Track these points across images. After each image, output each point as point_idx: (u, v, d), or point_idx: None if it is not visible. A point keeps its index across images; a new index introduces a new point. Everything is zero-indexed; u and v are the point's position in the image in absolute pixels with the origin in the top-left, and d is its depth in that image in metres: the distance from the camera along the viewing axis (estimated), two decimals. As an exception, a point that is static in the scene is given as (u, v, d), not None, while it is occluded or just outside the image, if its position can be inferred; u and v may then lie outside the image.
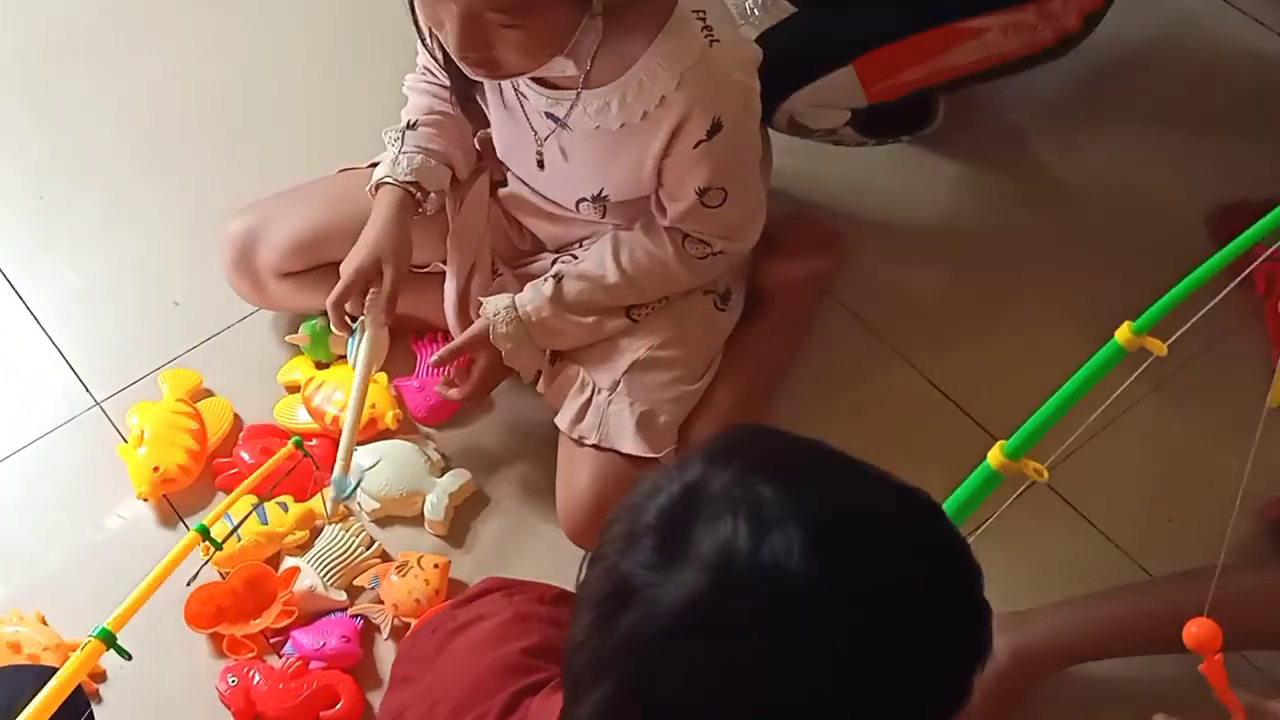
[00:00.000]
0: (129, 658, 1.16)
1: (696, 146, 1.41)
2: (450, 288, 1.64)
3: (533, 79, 1.45)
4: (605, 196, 1.54)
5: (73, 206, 1.95)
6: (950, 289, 1.88)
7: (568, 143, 1.50)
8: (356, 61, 2.10)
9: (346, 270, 1.53)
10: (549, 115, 1.48)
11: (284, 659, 1.48)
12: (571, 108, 1.44)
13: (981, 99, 2.03)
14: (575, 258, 1.63)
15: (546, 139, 1.51)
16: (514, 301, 1.54)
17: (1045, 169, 2.03)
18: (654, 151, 1.44)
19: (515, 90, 1.50)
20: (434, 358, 1.60)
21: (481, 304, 1.58)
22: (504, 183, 1.67)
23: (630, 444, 1.52)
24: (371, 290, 1.54)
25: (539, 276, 1.62)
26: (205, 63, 2.12)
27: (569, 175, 1.54)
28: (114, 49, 2.13)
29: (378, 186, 1.56)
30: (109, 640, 1.13)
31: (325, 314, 1.73)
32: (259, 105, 2.06)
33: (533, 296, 1.54)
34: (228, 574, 1.55)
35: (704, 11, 1.39)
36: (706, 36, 1.37)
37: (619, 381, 1.55)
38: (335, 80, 2.09)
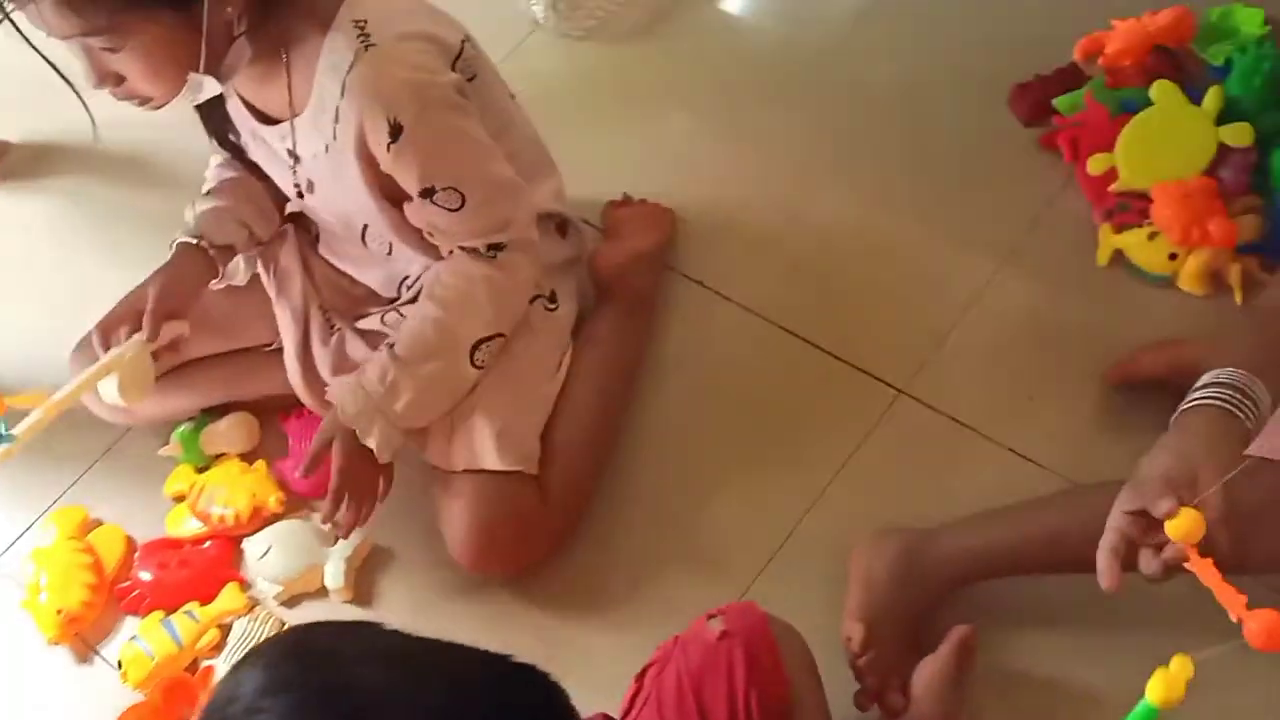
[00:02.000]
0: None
1: (389, 150, 1.44)
2: (289, 354, 1.66)
3: (258, 117, 1.50)
4: (366, 226, 1.56)
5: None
6: (787, 233, 1.90)
7: (310, 175, 1.54)
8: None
9: (120, 303, 1.57)
10: (289, 152, 1.52)
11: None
12: (294, 139, 1.49)
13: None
14: (401, 301, 1.66)
15: (297, 175, 1.54)
16: (357, 380, 1.55)
17: (841, 86, 2.06)
18: (358, 168, 1.47)
19: (252, 133, 1.54)
20: (299, 472, 1.58)
21: (328, 387, 1.60)
22: (319, 237, 1.71)
23: (494, 461, 1.54)
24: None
25: (376, 328, 1.65)
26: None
27: (327, 208, 1.57)
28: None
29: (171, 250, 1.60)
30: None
31: (193, 419, 1.77)
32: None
33: (374, 369, 1.54)
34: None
35: (364, 20, 1.41)
36: (362, 42, 1.40)
37: (474, 406, 1.58)
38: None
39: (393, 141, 1.43)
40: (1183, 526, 1.05)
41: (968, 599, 1.51)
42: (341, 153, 1.47)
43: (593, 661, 1.55)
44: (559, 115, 1.91)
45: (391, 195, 1.52)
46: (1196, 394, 1.17)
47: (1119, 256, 1.76)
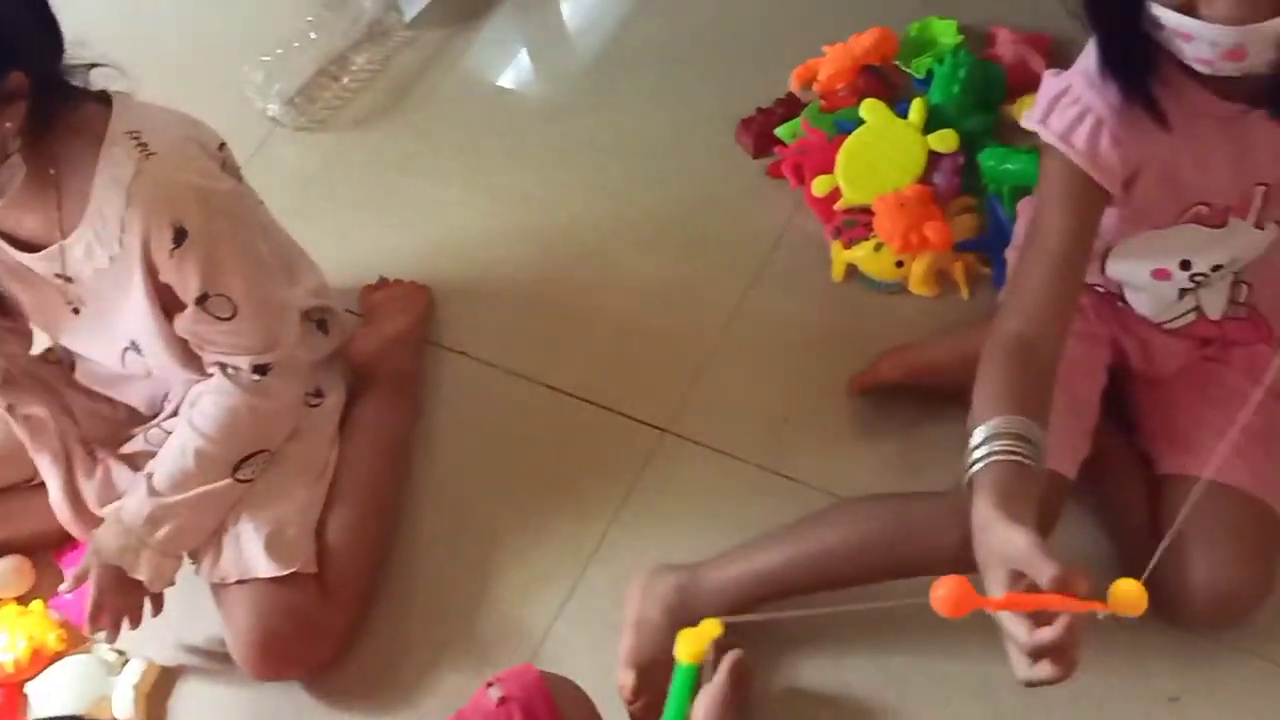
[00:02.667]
0: None
1: (172, 256, 1.44)
2: (55, 495, 1.63)
3: (14, 244, 1.48)
4: (138, 345, 1.56)
5: None
6: (542, 291, 1.94)
7: (83, 295, 1.52)
8: None
9: None
10: (57, 275, 1.50)
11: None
12: (64, 260, 1.47)
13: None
14: (163, 416, 1.65)
15: (69, 298, 1.53)
16: (116, 514, 1.53)
17: (582, 139, 2.12)
18: (141, 275, 1.47)
19: (16, 263, 1.51)
20: (61, 588, 1.57)
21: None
22: (73, 366, 1.68)
23: (266, 567, 1.54)
24: None
25: (141, 448, 1.64)
26: None
27: (97, 329, 1.56)
28: None
29: None
30: None
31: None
32: None
33: (132, 503, 1.53)
34: None
35: (138, 131, 1.43)
36: (141, 151, 1.41)
37: (240, 513, 1.58)
38: None
39: (176, 247, 1.44)
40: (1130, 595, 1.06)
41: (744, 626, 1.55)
42: (128, 261, 1.46)
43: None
44: (311, 207, 1.93)
45: (168, 306, 1.52)
46: (978, 452, 1.18)
47: (853, 270, 1.84)
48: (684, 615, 1.50)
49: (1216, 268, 1.46)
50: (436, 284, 1.94)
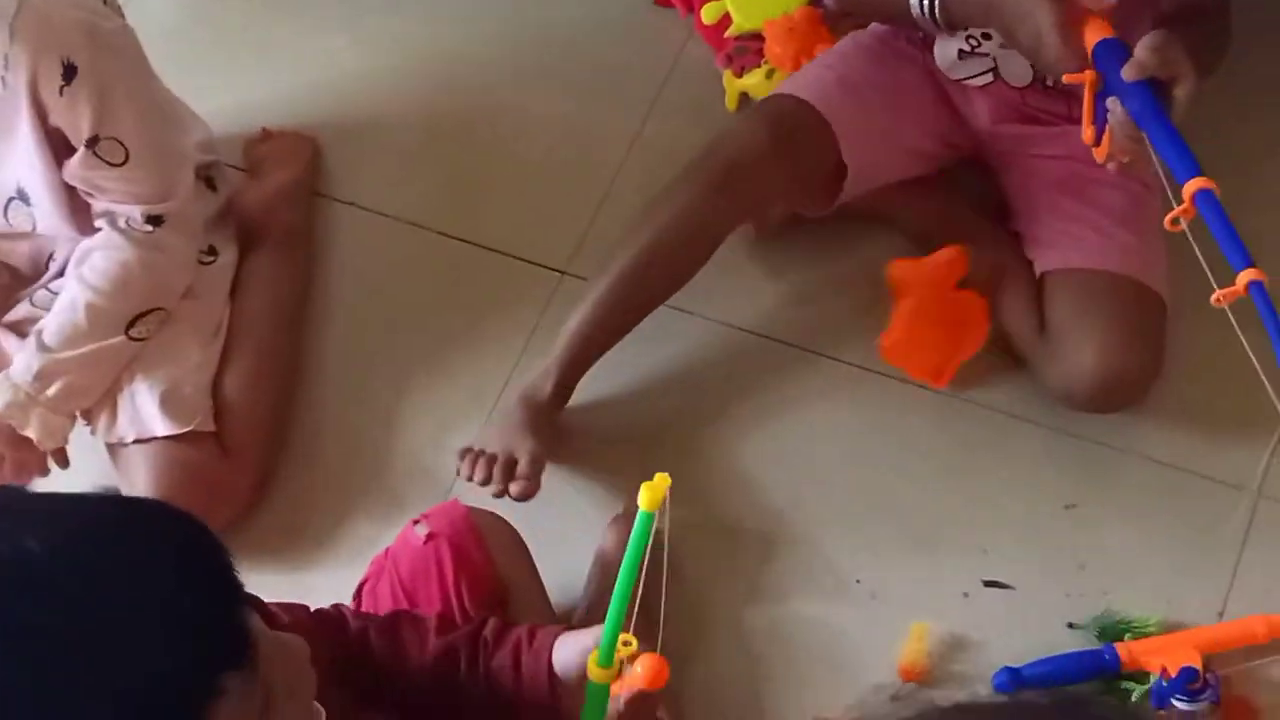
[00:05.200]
0: None
1: (62, 95, 1.41)
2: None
3: None
4: (25, 194, 1.51)
5: None
6: (431, 138, 1.88)
7: None
8: None
9: None
10: None
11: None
12: None
13: None
14: (48, 277, 1.61)
15: None
16: (6, 374, 1.49)
17: None
18: (28, 117, 1.43)
19: None
20: None
21: None
22: None
23: (162, 426, 1.52)
24: None
25: (26, 314, 1.59)
26: None
27: None
28: None
29: None
30: None
31: None
32: None
33: (21, 359, 1.50)
34: None
35: None
36: None
37: (135, 372, 1.54)
38: None
39: (65, 84, 1.40)
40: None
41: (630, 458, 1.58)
42: (14, 102, 1.42)
43: (315, 600, 1.55)
44: (184, 60, 1.84)
45: (57, 152, 1.48)
46: None
47: (746, 99, 1.81)
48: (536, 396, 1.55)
49: (986, 36, 1.49)
50: (321, 134, 1.88)
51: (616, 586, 1.08)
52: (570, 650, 1.13)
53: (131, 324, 1.53)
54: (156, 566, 0.76)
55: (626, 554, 1.07)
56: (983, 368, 1.62)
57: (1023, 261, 1.59)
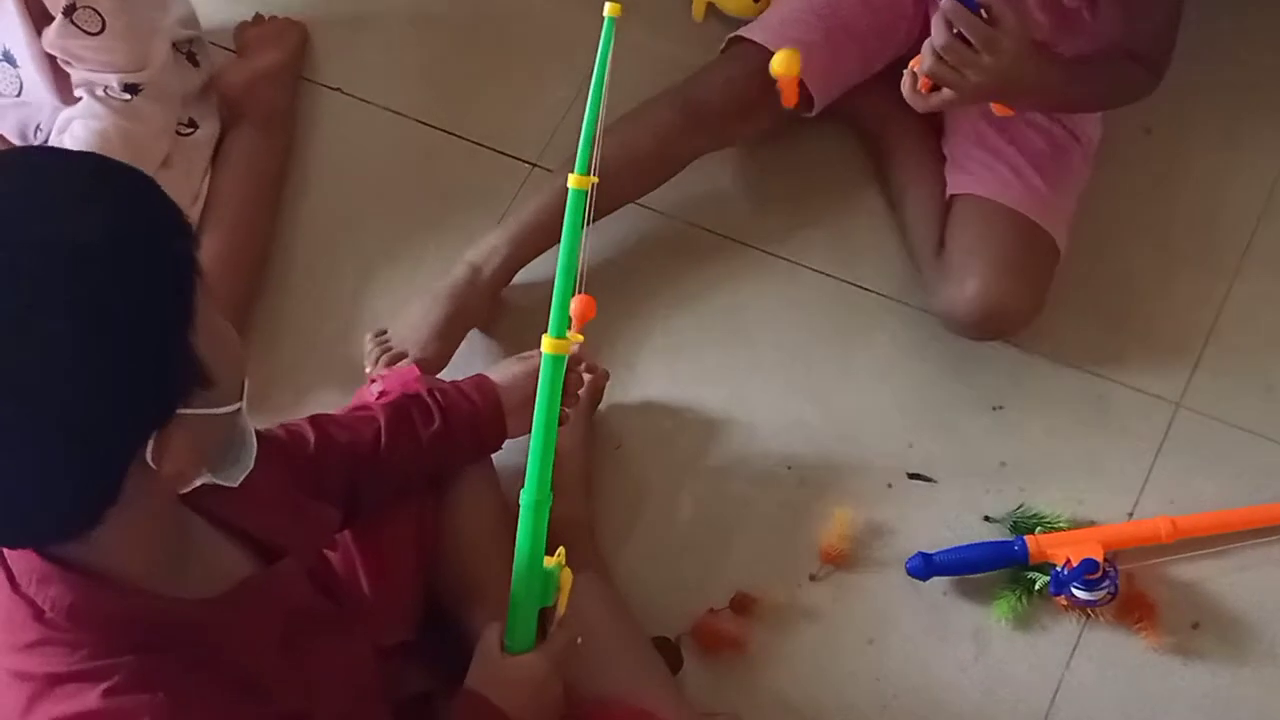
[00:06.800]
0: None
1: None
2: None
3: None
4: (11, 56, 1.57)
5: None
6: (414, 28, 1.94)
7: None
8: None
9: None
10: None
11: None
12: None
13: None
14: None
15: None
16: None
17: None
18: None
19: None
20: None
21: None
22: None
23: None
24: None
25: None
26: None
27: None
28: None
29: None
30: None
31: None
32: None
33: None
34: None
35: None
36: None
37: None
38: None
39: None
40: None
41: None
42: None
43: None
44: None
45: (37, 20, 1.53)
46: None
47: (712, 9, 1.86)
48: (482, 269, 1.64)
49: None
50: (312, 21, 1.94)
51: (562, 248, 1.16)
52: (504, 366, 1.37)
53: None
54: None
55: (580, 148, 1.20)
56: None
57: (938, 178, 1.66)
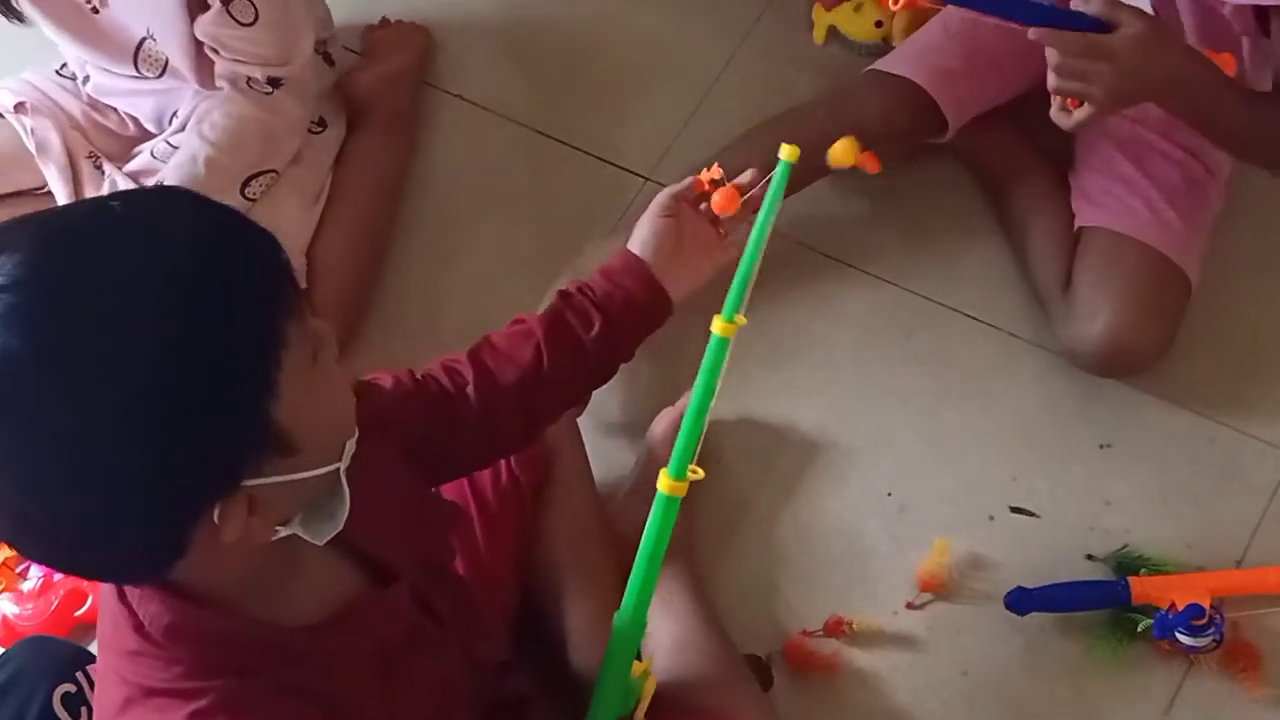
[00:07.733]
0: None
1: None
2: (60, 197, 1.69)
3: None
4: (154, 34, 1.61)
5: None
6: (536, 38, 1.97)
7: None
8: None
9: None
10: None
11: (30, 580, 1.61)
12: None
13: None
14: (170, 132, 1.71)
15: None
16: None
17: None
18: None
19: None
20: None
21: None
22: (87, 80, 1.74)
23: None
24: None
25: (147, 165, 1.70)
26: None
27: (117, 27, 1.61)
28: None
29: None
30: None
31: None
32: None
33: None
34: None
35: None
36: None
37: None
38: None
39: None
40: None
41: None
42: None
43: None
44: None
45: (192, 7, 1.57)
46: None
47: (834, 32, 1.87)
48: None
49: None
50: (438, 27, 1.98)
51: (695, 390, 1.16)
52: (637, 232, 1.31)
53: (246, 183, 1.65)
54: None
55: (732, 291, 1.18)
56: (1038, 312, 1.67)
57: (1064, 210, 1.63)
